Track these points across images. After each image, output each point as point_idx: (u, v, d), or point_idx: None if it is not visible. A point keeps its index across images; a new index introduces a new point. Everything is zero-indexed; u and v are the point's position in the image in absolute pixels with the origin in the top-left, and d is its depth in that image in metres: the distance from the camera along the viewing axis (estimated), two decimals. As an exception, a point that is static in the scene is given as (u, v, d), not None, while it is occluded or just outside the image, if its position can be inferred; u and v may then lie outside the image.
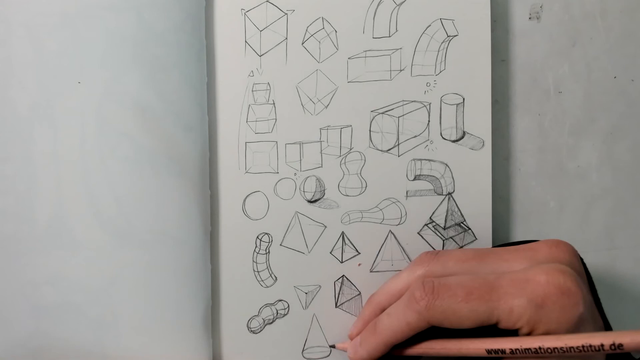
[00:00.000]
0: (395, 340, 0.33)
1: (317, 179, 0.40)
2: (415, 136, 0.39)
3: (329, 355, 0.40)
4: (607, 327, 0.33)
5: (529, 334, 0.30)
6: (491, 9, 0.39)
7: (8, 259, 0.37)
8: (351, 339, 0.38)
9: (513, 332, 0.31)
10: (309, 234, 0.40)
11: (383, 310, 0.36)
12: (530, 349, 0.30)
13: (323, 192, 0.40)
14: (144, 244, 0.37)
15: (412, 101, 0.39)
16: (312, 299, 0.40)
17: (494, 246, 0.40)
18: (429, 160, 0.39)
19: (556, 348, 0.29)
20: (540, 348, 0.30)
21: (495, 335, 0.32)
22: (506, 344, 0.31)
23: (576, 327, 0.30)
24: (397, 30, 0.39)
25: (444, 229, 0.40)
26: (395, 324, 0.33)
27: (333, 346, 0.40)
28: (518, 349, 0.30)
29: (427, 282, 0.32)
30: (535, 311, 0.30)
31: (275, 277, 0.40)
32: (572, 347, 0.29)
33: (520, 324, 0.30)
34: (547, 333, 0.30)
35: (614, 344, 0.28)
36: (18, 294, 0.38)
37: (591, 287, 0.34)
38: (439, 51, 0.39)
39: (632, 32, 0.40)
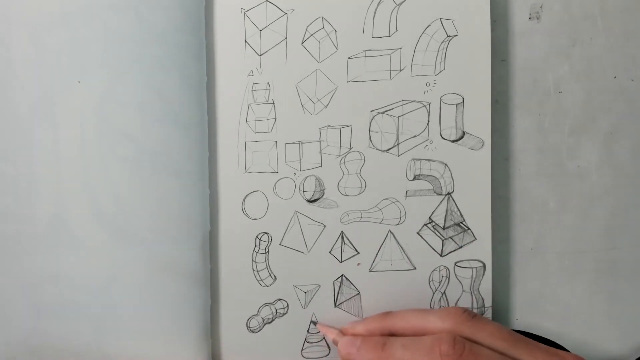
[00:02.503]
0: None
1: (316, 178, 0.40)
2: (415, 136, 0.39)
3: (328, 355, 0.40)
4: None
5: None
6: (491, 9, 0.39)
7: (8, 258, 0.38)
8: (344, 334, 0.38)
9: None
10: (309, 233, 0.40)
11: (391, 333, 0.36)
12: None
13: (322, 192, 0.40)
14: (144, 243, 0.38)
15: (412, 101, 0.39)
16: (312, 299, 0.40)
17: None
18: (429, 160, 0.39)
19: None
20: None
21: None
22: None
23: None
24: (397, 30, 0.39)
25: (444, 228, 0.40)
26: (407, 358, 0.33)
27: (315, 323, 0.40)
28: None
29: (459, 341, 0.32)
30: None
31: (275, 277, 0.40)
32: None
33: None
34: None
35: None
36: (18, 293, 0.38)
37: None
38: (438, 51, 0.39)
39: (632, 32, 0.40)
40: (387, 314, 0.38)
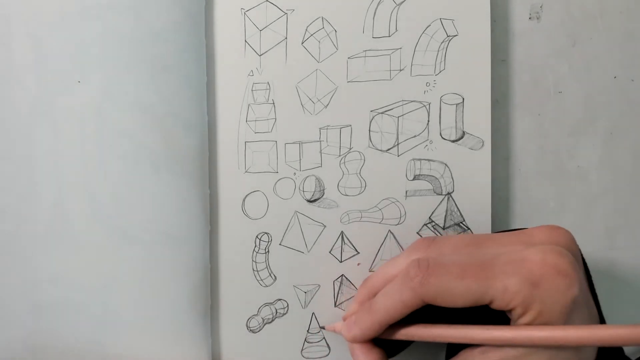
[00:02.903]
0: (390, 319, 0.33)
1: (316, 178, 0.40)
2: (415, 136, 0.39)
3: (327, 355, 0.40)
4: (601, 318, 0.33)
5: (521, 315, 0.30)
6: (491, 9, 0.39)
7: (8, 257, 0.38)
8: (344, 320, 0.38)
9: (504, 316, 0.31)
10: (309, 233, 0.40)
11: (376, 293, 0.36)
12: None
13: (322, 192, 0.40)
14: (144, 243, 0.38)
15: (412, 101, 0.39)
16: (312, 299, 0.40)
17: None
18: (429, 160, 0.39)
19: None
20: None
21: (487, 318, 0.32)
22: (503, 333, 0.30)
23: (570, 310, 0.29)
24: (396, 30, 0.39)
25: (443, 228, 0.40)
26: (390, 302, 0.33)
27: (323, 327, 0.40)
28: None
29: (422, 260, 0.32)
30: (529, 290, 0.29)
31: (275, 277, 0.40)
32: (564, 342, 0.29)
33: (514, 303, 0.30)
34: (540, 314, 0.29)
35: None
36: (18, 292, 0.38)
37: (587, 275, 0.34)
38: (438, 51, 0.39)
39: (632, 32, 0.40)
40: (366, 279, 0.38)
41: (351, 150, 0.39)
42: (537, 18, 0.40)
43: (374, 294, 0.36)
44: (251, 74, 0.39)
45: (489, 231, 0.39)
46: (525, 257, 0.30)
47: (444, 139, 0.39)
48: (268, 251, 0.39)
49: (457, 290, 0.30)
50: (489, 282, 0.30)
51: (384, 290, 0.34)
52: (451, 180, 0.39)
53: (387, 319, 0.33)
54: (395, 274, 0.35)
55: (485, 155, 0.39)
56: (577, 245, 0.33)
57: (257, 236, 0.39)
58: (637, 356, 0.39)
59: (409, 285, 0.32)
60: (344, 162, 0.39)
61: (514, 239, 0.32)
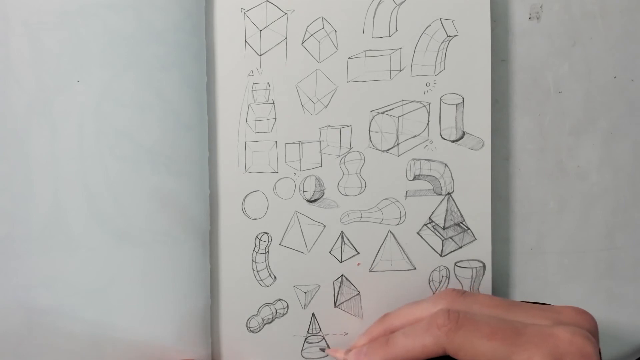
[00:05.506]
0: (404, 359, 0.34)
1: (316, 178, 0.40)
2: (415, 136, 0.39)
3: (328, 355, 0.40)
4: None
5: None
6: (491, 9, 0.39)
7: (1, 260, 0.37)
8: (350, 351, 0.38)
9: None
10: (308, 233, 0.40)
11: (392, 332, 0.37)
12: None
13: (322, 192, 0.40)
14: (143, 243, 0.38)
15: (412, 101, 0.39)
16: (311, 299, 0.40)
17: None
18: (429, 160, 0.39)
19: None
20: None
21: None
22: None
23: None
24: (397, 30, 0.39)
25: (443, 229, 0.40)
26: (410, 343, 0.34)
27: (323, 349, 0.40)
28: None
29: (452, 312, 0.33)
30: None
31: (275, 277, 0.40)
32: None
33: None
34: None
35: None
36: (10, 297, 0.37)
37: None
38: (438, 51, 0.39)
39: (632, 32, 0.40)
40: (385, 316, 0.38)
41: (351, 150, 0.39)
42: (537, 18, 0.40)
43: (390, 332, 0.37)
44: (251, 74, 0.39)
45: (489, 231, 0.39)
46: (554, 334, 0.31)
47: (444, 139, 0.39)
48: (268, 251, 0.39)
49: (482, 349, 0.32)
50: (516, 348, 0.31)
51: (405, 329, 0.35)
52: (451, 180, 0.39)
53: (402, 357, 0.34)
54: (416, 317, 0.36)
55: (485, 155, 0.39)
56: (598, 334, 0.34)
57: (257, 236, 0.39)
58: (637, 356, 0.39)
59: (435, 333, 0.33)
60: (344, 162, 0.39)
61: (543, 313, 0.34)
